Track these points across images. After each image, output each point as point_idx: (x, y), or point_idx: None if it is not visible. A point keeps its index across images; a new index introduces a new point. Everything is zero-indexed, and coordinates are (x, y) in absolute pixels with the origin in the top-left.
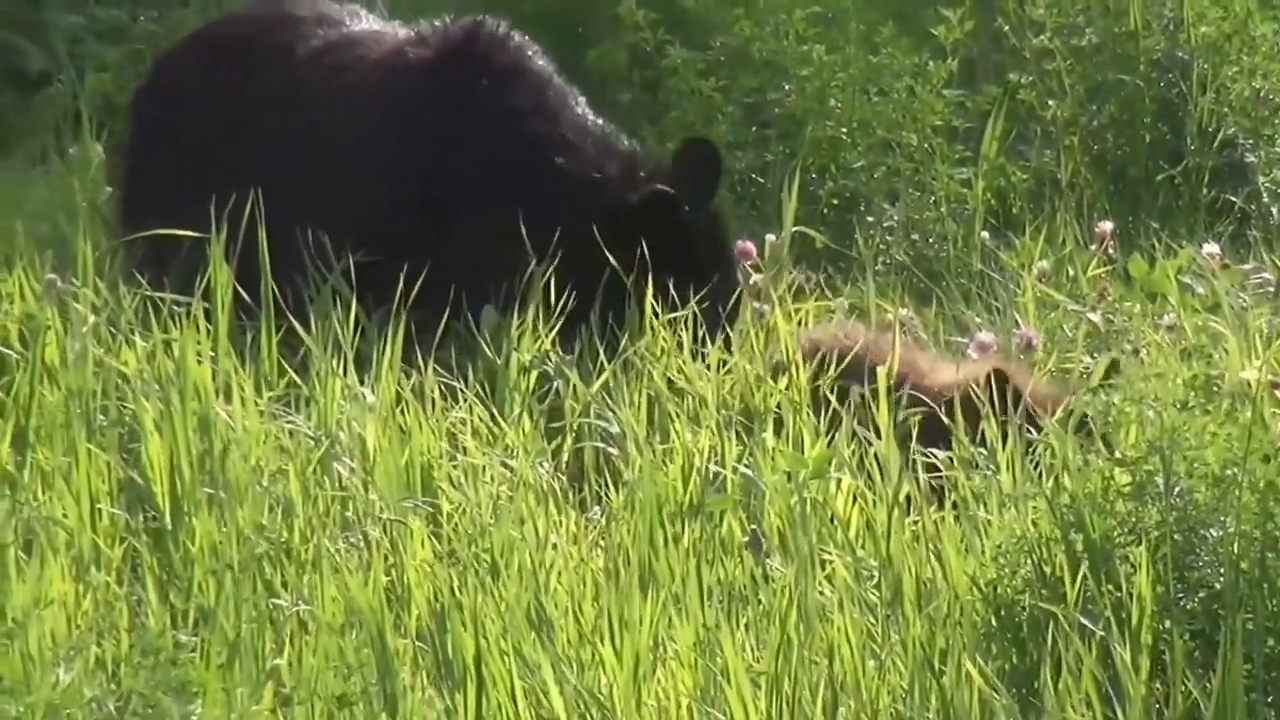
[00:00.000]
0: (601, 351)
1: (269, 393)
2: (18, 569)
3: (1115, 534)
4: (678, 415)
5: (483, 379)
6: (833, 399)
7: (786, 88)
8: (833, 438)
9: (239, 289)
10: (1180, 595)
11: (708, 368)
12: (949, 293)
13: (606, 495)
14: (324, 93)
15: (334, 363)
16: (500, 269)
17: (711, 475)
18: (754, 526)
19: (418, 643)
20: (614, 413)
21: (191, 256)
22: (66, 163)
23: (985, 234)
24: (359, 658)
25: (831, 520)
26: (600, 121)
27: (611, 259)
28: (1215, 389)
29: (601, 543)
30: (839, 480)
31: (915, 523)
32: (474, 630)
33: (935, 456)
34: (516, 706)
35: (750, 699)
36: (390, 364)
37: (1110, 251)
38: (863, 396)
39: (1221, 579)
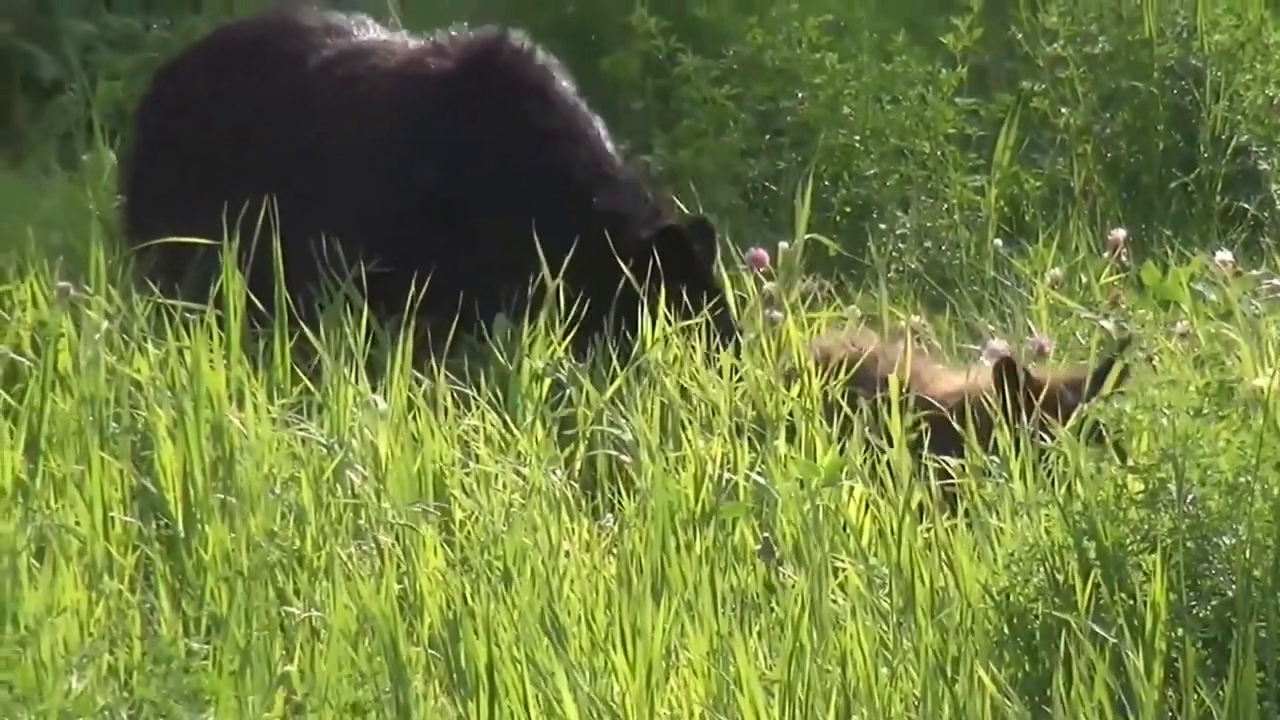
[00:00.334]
0: (615, 359)
1: (281, 400)
2: (30, 577)
3: (1128, 542)
4: (690, 423)
5: (495, 386)
6: (844, 406)
7: (799, 96)
8: (844, 445)
9: (251, 297)
10: (1193, 603)
11: (720, 375)
12: (961, 300)
13: (619, 503)
14: (338, 101)
15: (346, 370)
16: (516, 279)
17: (724, 483)
18: (766, 534)
19: (430, 650)
20: (626, 420)
21: (204, 264)
22: (79, 170)
23: (998, 241)
24: (371, 665)
25: (844, 528)
26: (614, 147)
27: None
28: (1228, 396)
29: (614, 550)
30: (851, 488)
31: (928, 530)
32: (487, 638)
33: (947, 464)
34: (529, 714)
35: (763, 707)
36: (402, 371)
37: (1123, 259)
38: (874, 405)
39: (1234, 587)
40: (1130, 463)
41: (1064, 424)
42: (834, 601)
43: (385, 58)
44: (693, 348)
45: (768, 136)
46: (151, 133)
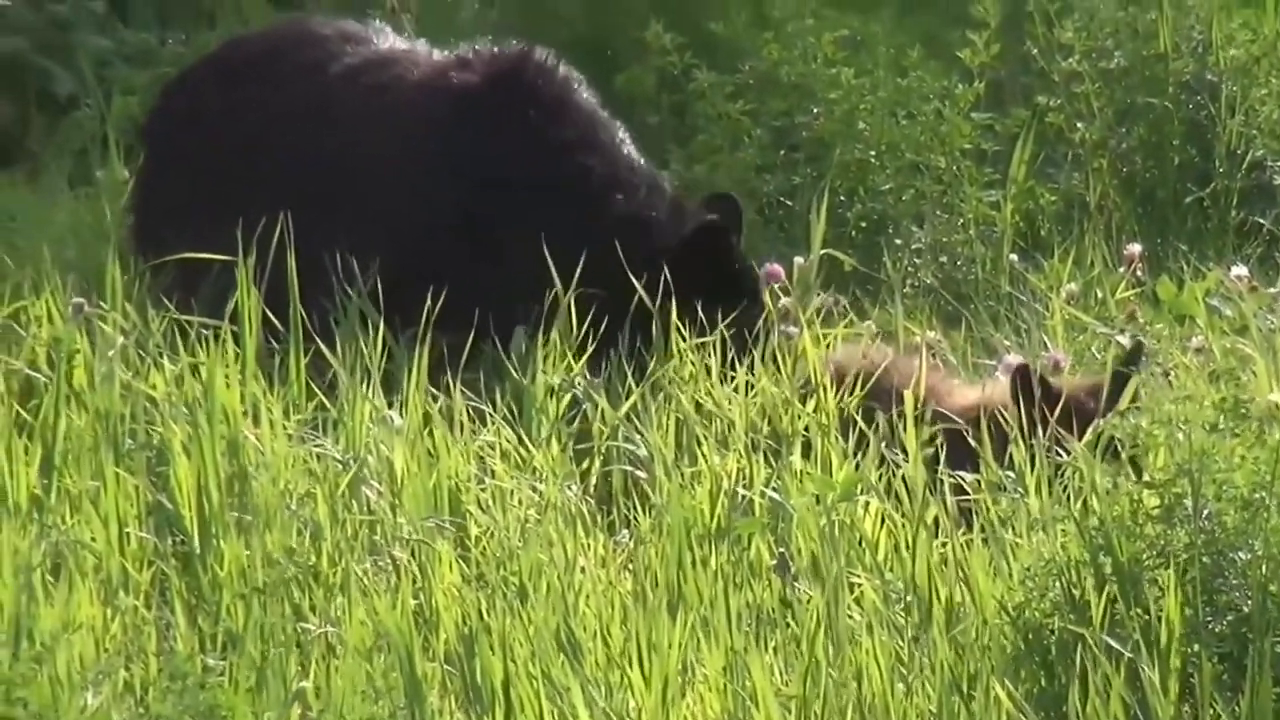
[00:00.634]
0: (630, 375)
1: (297, 416)
2: (46, 593)
3: (1144, 557)
4: (705, 438)
5: (511, 402)
6: (859, 421)
7: (815, 111)
8: (860, 460)
9: (267, 312)
10: (1209, 618)
11: (735, 391)
12: (977, 315)
13: (635, 518)
14: (361, 111)
15: (361, 385)
16: (540, 291)
17: (739, 498)
18: (782, 549)
19: (446, 666)
20: (642, 436)
21: (220, 279)
22: (94, 186)
23: (1013, 256)
24: (387, 681)
25: (860, 543)
26: (643, 159)
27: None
28: (1244, 412)
29: (630, 566)
30: (867, 503)
31: (943, 545)
32: (502, 653)
33: (963, 479)
34: None
35: None
36: (418, 386)
37: (1139, 274)
38: (890, 420)
39: (1250, 602)
40: (1146, 478)
41: (1081, 435)
42: (850, 617)
43: (409, 68)
44: (707, 366)
45: (783, 152)
46: (162, 147)
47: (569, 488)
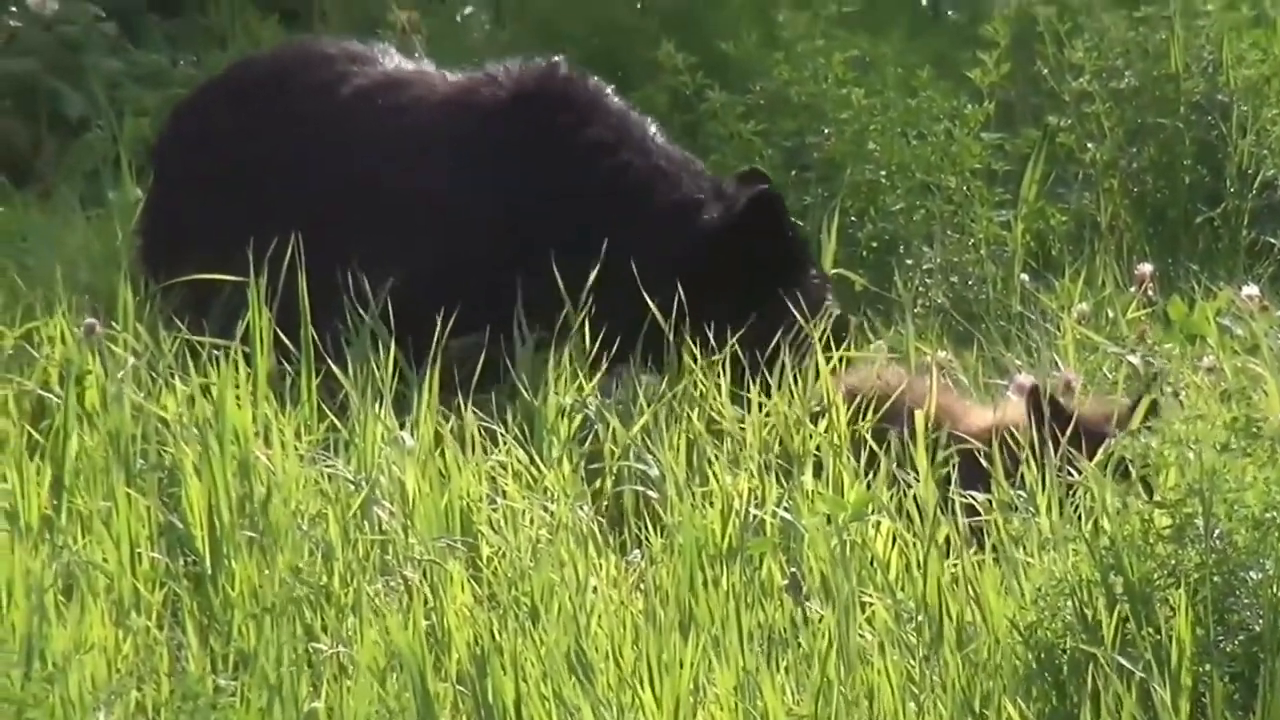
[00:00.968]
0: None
1: (308, 436)
2: (58, 613)
3: (1155, 576)
4: (717, 458)
5: (522, 422)
6: (871, 444)
7: (825, 131)
8: (871, 481)
9: (280, 333)
10: (1220, 638)
11: (747, 412)
12: (988, 335)
13: (646, 538)
14: (381, 132)
15: (373, 406)
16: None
17: (751, 518)
18: (794, 569)
19: (458, 686)
20: (653, 456)
21: (232, 300)
22: (106, 207)
23: (1024, 276)
24: (399, 702)
25: (871, 562)
26: (680, 149)
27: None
28: (1255, 431)
29: (641, 586)
30: (878, 523)
31: (955, 565)
32: (514, 674)
33: (974, 499)
34: None
35: None
36: (429, 407)
37: (1150, 294)
38: (902, 441)
39: (1261, 621)
40: (1157, 498)
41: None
42: (861, 636)
43: (429, 89)
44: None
45: (794, 172)
46: (172, 169)
47: (580, 508)
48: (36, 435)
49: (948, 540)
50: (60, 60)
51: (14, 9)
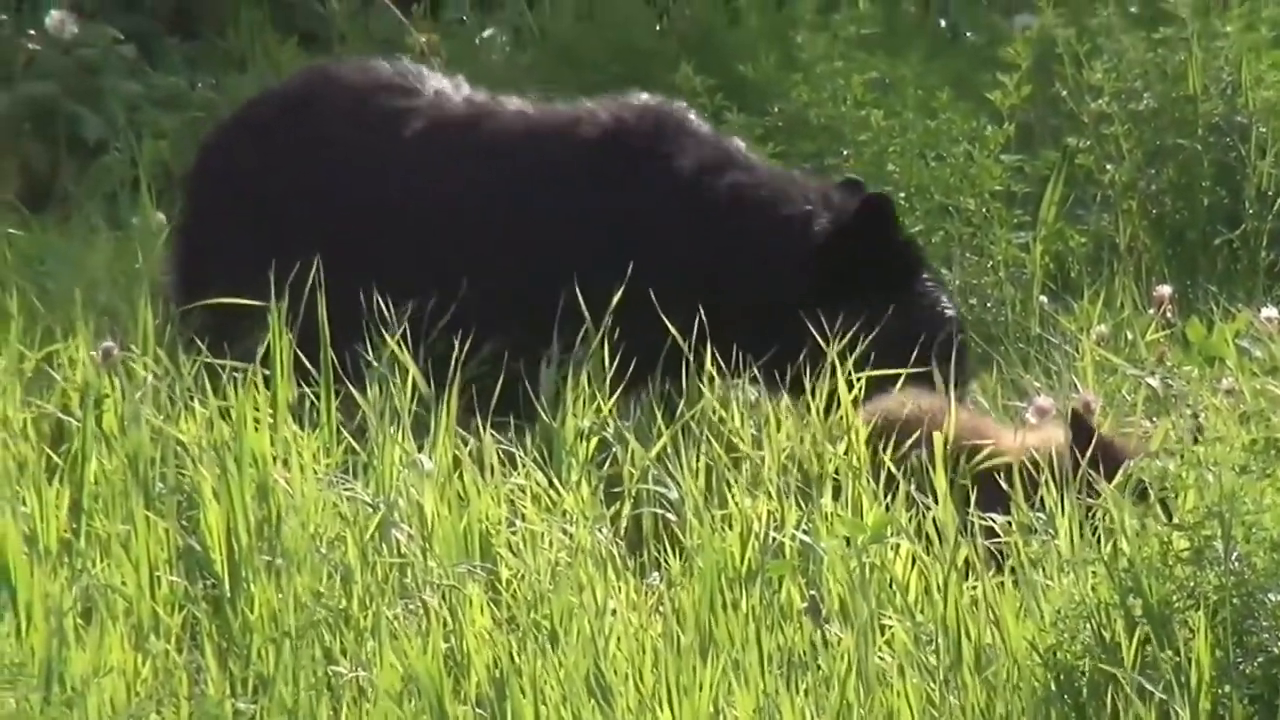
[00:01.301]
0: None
1: (327, 459)
2: (77, 637)
3: (1174, 599)
4: (736, 481)
5: (541, 444)
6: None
7: (844, 153)
8: (890, 503)
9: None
10: (1239, 660)
11: (766, 436)
12: (1007, 357)
13: (665, 561)
14: (462, 165)
15: (391, 429)
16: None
17: (770, 541)
18: (813, 592)
19: (477, 709)
20: (672, 478)
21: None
22: (125, 230)
23: (1043, 298)
24: None
25: (890, 585)
26: (763, 163)
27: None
28: (1274, 453)
29: (660, 609)
30: (898, 545)
31: (974, 588)
32: (533, 697)
33: (994, 521)
34: None
35: None
36: (447, 430)
37: (1168, 315)
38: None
39: None
40: (1176, 520)
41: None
42: (880, 659)
43: (513, 121)
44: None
45: None
46: (210, 197)
47: (599, 530)
48: (55, 458)
49: (967, 562)
50: (79, 83)
51: (33, 32)
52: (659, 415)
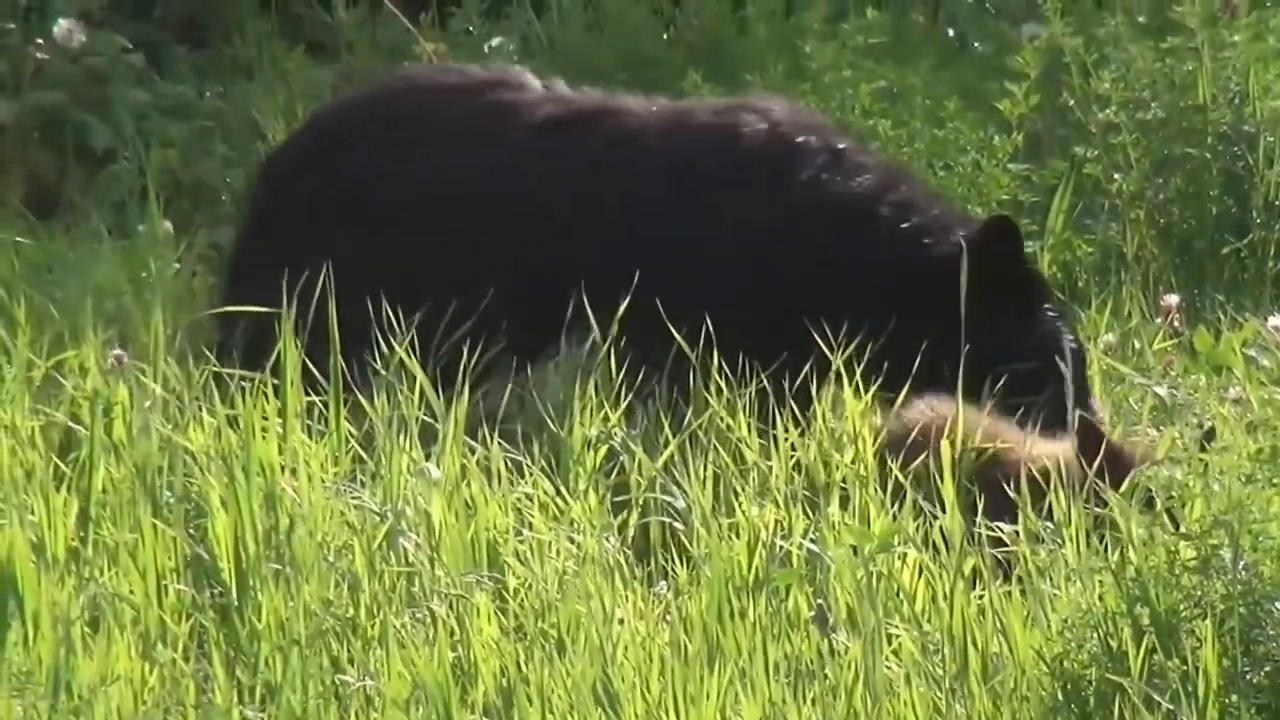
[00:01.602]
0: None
1: (335, 468)
2: (84, 645)
3: (1181, 608)
4: (743, 490)
5: (548, 453)
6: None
7: None
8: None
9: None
10: (1246, 669)
11: (775, 445)
12: None
13: (672, 570)
14: (594, 167)
15: (399, 437)
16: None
17: (777, 549)
18: (820, 601)
19: (484, 718)
20: (680, 487)
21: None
22: (133, 238)
23: None
24: None
25: (898, 594)
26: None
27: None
28: None
29: (668, 617)
30: (905, 554)
31: (981, 596)
32: (541, 706)
33: (1002, 530)
34: None
35: None
36: (455, 439)
37: (1176, 325)
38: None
39: None
40: (1183, 529)
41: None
42: (887, 668)
43: (650, 118)
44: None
45: None
46: (295, 203)
47: (607, 539)
48: (63, 467)
49: (975, 571)
50: (87, 92)
51: (41, 41)
52: (666, 424)
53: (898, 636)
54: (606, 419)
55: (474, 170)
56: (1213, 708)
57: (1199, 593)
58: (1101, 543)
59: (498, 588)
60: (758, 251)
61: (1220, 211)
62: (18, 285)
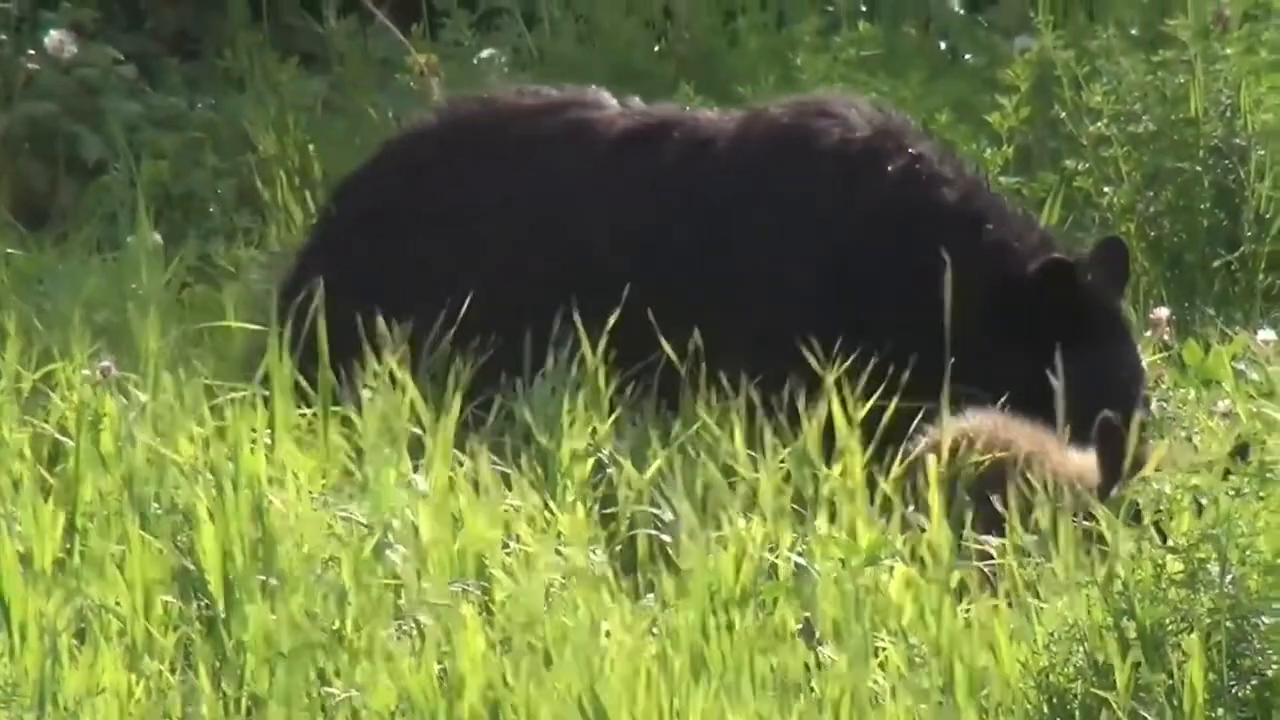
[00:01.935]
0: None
1: (322, 480)
2: (71, 656)
3: (1168, 622)
4: (731, 503)
5: (536, 465)
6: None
7: None
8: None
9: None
10: (1232, 683)
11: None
12: None
13: (659, 583)
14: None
15: (387, 450)
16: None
17: (765, 563)
18: (807, 614)
19: None
20: (667, 500)
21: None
22: (123, 250)
23: None
24: None
25: (885, 607)
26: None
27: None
28: (1268, 476)
29: (655, 630)
30: (892, 567)
31: (968, 610)
32: (527, 718)
33: (989, 543)
34: None
35: None
36: (443, 451)
37: (1166, 338)
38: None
39: (1274, 667)
40: (1170, 543)
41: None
42: (874, 682)
43: (710, 129)
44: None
45: None
46: (380, 210)
47: (594, 552)
48: (50, 478)
49: (962, 584)
50: (78, 103)
51: (32, 52)
52: (654, 437)
53: (884, 650)
54: (594, 431)
55: (556, 186)
56: None
57: (1186, 607)
58: (1089, 556)
59: (484, 600)
60: (831, 257)
61: (1211, 225)
62: (7, 296)
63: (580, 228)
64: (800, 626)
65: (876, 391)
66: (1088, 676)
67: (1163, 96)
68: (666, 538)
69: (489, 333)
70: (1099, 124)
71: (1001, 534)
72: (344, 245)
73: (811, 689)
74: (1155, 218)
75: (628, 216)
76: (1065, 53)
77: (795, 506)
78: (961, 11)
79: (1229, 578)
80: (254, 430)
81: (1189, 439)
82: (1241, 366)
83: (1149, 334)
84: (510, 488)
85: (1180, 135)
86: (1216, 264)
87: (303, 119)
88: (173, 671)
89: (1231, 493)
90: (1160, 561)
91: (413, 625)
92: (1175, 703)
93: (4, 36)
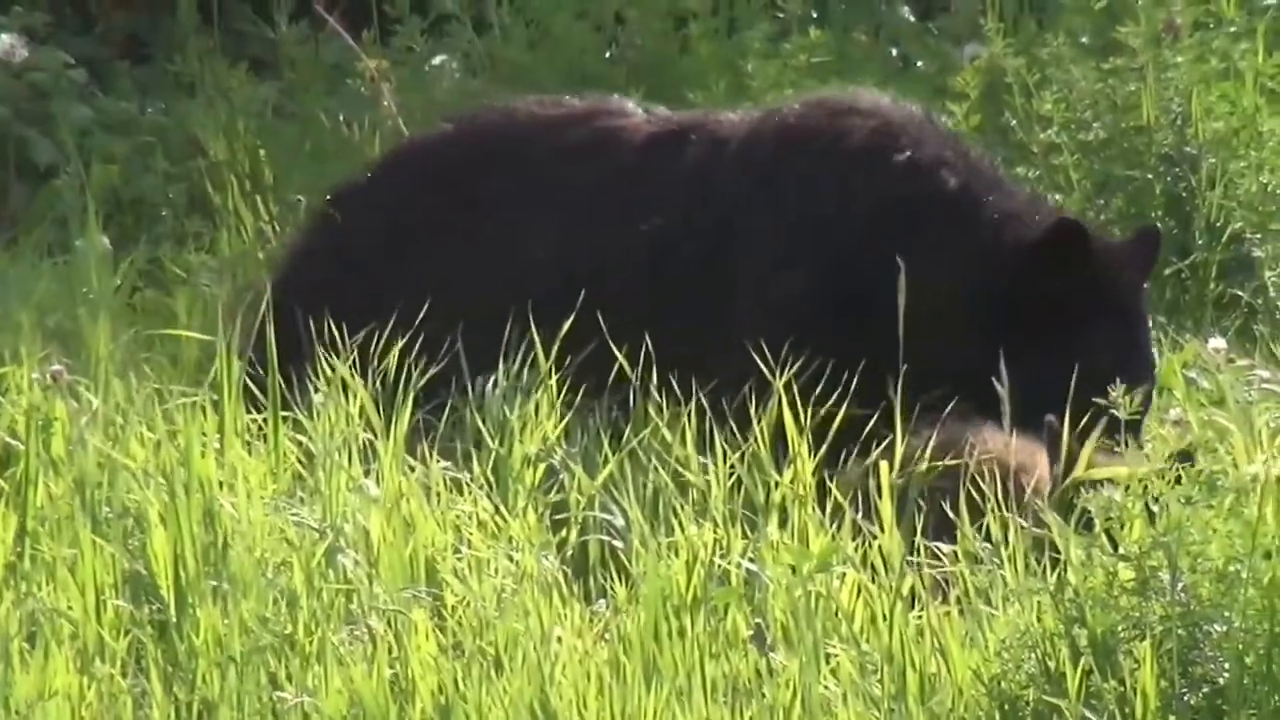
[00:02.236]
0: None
1: (274, 485)
2: (22, 660)
3: (1119, 629)
4: (682, 508)
5: (488, 471)
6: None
7: None
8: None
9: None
10: (1184, 690)
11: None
12: None
13: (611, 588)
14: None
15: (339, 454)
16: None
17: (716, 568)
18: (758, 620)
19: None
20: (619, 505)
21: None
22: (73, 254)
23: None
24: None
25: (836, 614)
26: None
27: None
28: (1219, 484)
29: (606, 636)
30: (843, 574)
31: (919, 616)
32: None
33: (940, 550)
34: None
35: None
36: (394, 456)
37: None
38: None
39: (1226, 674)
40: (1121, 550)
41: None
42: (825, 688)
43: (728, 128)
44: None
45: None
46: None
47: (545, 557)
48: (1, 482)
49: (913, 591)
50: (29, 107)
51: None
52: (605, 442)
53: (836, 656)
54: (545, 438)
55: (582, 193)
56: None
57: (1137, 614)
58: (1040, 563)
59: (436, 605)
60: (843, 248)
61: (1162, 233)
62: None
63: (608, 235)
64: (751, 632)
65: (876, 392)
66: (1039, 684)
67: (1113, 104)
68: (618, 543)
69: (501, 340)
70: (1049, 132)
71: (953, 540)
72: (350, 250)
73: (763, 695)
74: (1106, 226)
75: (651, 220)
76: (1016, 60)
77: (746, 512)
78: (912, 18)
79: (1180, 585)
80: (204, 434)
81: (1140, 447)
82: (1193, 375)
83: None
84: (462, 492)
85: (1131, 143)
86: (1167, 272)
87: (253, 124)
88: (124, 675)
89: (1182, 500)
90: (1112, 569)
91: (364, 630)
92: (1127, 710)
93: None
